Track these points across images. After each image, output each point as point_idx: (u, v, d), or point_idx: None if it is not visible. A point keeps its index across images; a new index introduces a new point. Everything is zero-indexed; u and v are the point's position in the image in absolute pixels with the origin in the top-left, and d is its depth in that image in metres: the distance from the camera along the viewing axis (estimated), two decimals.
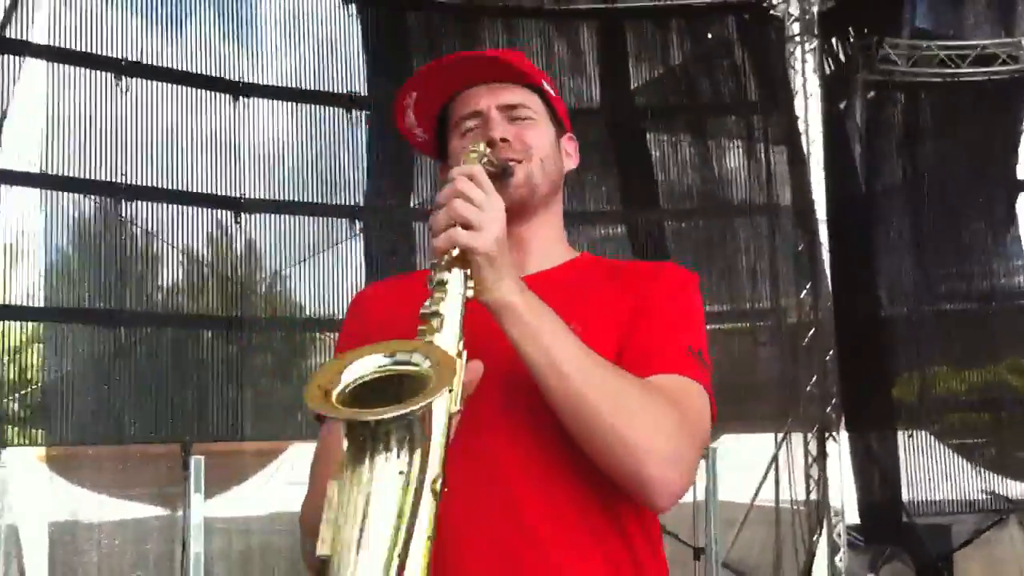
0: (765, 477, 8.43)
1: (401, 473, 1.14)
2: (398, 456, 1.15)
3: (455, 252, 1.33)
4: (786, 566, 8.47)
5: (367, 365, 1.21)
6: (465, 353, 1.29)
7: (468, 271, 1.34)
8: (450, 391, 1.20)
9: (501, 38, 7.77)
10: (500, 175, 1.52)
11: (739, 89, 8.65)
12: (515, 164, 1.58)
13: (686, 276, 1.65)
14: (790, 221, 8.70)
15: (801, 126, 8.83)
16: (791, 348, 8.64)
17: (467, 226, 1.34)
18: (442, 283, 1.31)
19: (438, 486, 1.17)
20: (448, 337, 1.27)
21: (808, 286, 8.78)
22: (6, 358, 6.29)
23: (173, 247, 6.80)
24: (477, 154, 1.46)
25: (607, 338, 1.51)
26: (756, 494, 8.35)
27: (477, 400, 1.33)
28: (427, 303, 1.30)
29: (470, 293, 1.34)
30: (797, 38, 8.87)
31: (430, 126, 1.68)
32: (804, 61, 8.88)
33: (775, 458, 8.40)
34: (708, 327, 1.62)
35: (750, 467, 8.47)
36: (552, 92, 1.67)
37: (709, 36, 8.69)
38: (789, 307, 8.70)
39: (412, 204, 7.66)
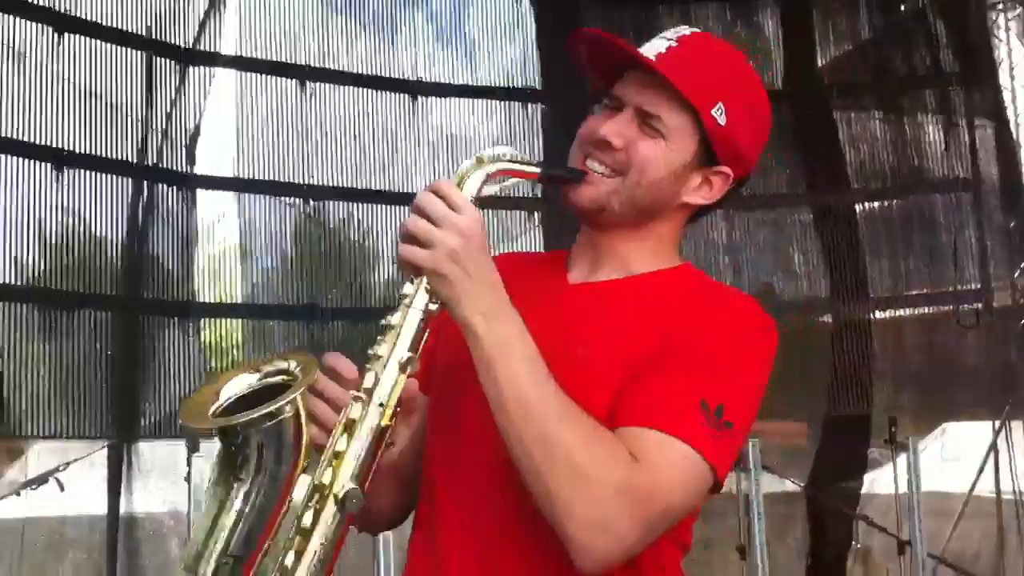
0: (983, 466, 8.04)
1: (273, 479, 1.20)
2: (270, 462, 1.21)
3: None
4: (1010, 560, 8.05)
5: (239, 384, 1.28)
6: (411, 368, 1.34)
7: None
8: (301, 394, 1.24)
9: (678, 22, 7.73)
10: (572, 179, 1.50)
11: (935, 62, 8.30)
12: (595, 175, 1.50)
13: (750, 321, 1.49)
14: (997, 198, 8.28)
15: (1007, 97, 8.42)
16: (1004, 331, 8.21)
17: (421, 243, 1.33)
18: (404, 296, 1.35)
19: (344, 496, 1.22)
20: (399, 349, 1.32)
21: (1022, 266, 8.34)
22: (221, 355, 6.69)
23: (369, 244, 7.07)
24: (494, 167, 1.42)
25: (609, 370, 1.43)
26: (974, 485, 7.98)
27: (458, 409, 1.42)
28: (388, 316, 1.35)
29: (433, 307, 1.35)
30: (1000, 5, 8.49)
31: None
32: (1008, 29, 8.47)
33: (993, 446, 8.01)
34: (906, 312, 1.48)
35: (964, 458, 8.12)
36: (720, 121, 1.50)
37: (902, 8, 8.39)
38: (1000, 288, 8.27)
39: None
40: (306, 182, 6.71)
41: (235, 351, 6.91)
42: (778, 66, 8.12)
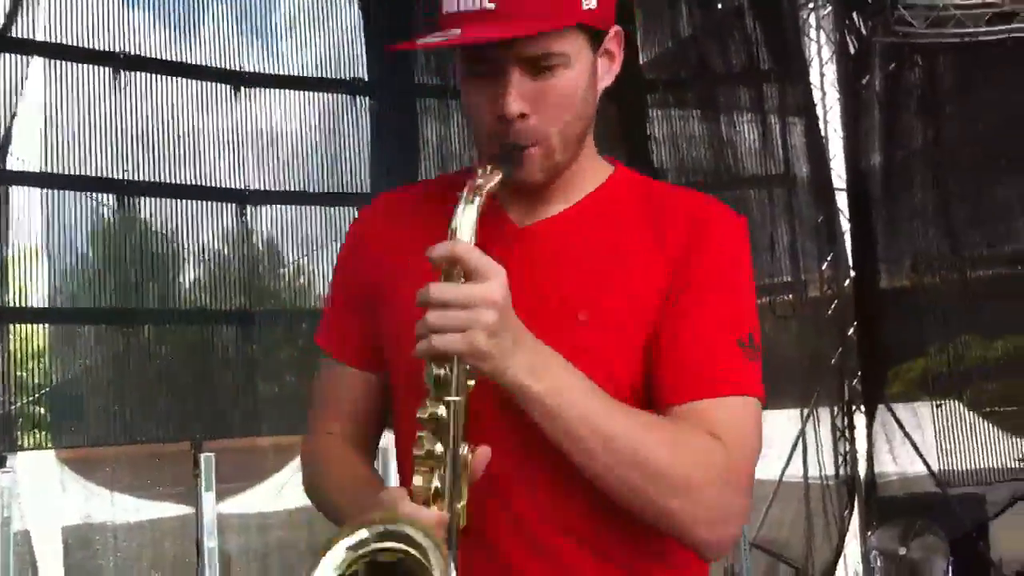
0: (792, 453, 8.45)
1: None
2: None
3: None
4: (817, 542, 8.50)
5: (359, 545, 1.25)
6: (471, 450, 1.32)
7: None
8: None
9: None
10: (508, 166, 1.41)
11: (751, 59, 8.62)
12: (529, 149, 1.43)
13: (735, 226, 1.52)
14: (808, 193, 8.68)
15: (816, 95, 8.82)
16: (814, 322, 8.64)
17: (453, 330, 1.27)
18: (438, 380, 1.30)
19: None
20: (456, 444, 1.30)
21: (829, 257, 8.77)
22: (29, 362, 6.37)
23: (178, 243, 6.86)
24: (477, 187, 1.34)
25: (624, 326, 1.44)
26: (784, 471, 8.37)
27: (489, 430, 1.37)
28: (427, 402, 1.29)
29: (471, 383, 1.32)
30: (810, 4, 8.88)
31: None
32: (819, 28, 8.88)
33: (802, 433, 8.42)
34: None
35: (775, 444, 8.48)
36: (592, 5, 1.41)
37: (719, 6, 8.66)
38: (810, 280, 8.69)
39: None
40: (122, 177, 6.39)
41: (41, 359, 6.54)
42: None
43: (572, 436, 1.33)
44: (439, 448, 1.29)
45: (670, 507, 1.36)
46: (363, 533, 1.25)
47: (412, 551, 1.22)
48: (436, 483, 1.30)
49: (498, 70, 1.40)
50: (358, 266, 1.61)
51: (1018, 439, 8.46)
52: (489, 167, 1.38)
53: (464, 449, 1.31)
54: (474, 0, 1.37)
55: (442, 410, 1.29)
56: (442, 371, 1.29)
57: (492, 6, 1.36)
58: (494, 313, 1.26)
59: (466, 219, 1.30)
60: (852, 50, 8.93)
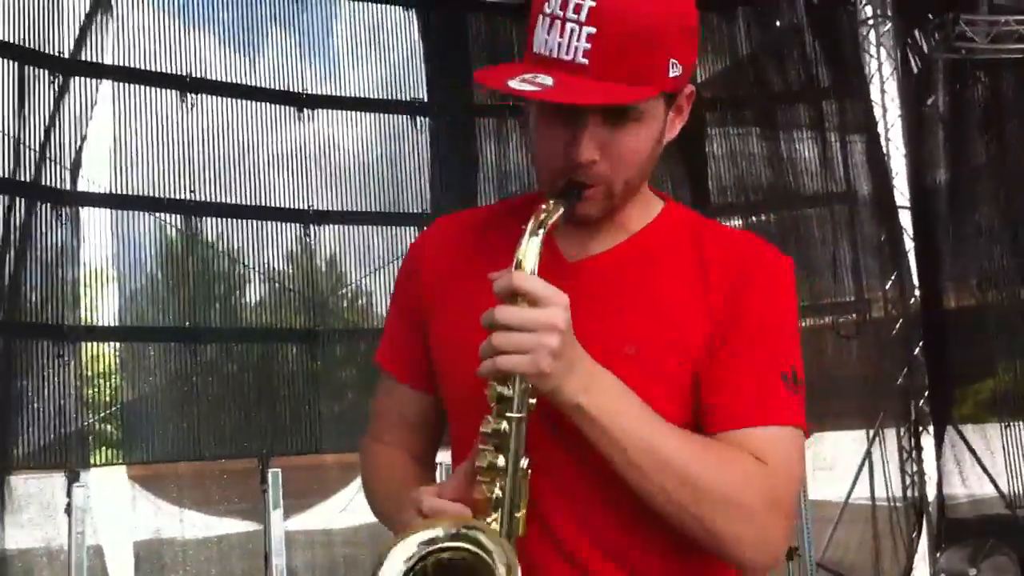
0: (859, 474, 8.36)
1: None
2: None
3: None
4: (885, 564, 8.38)
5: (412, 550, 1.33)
6: (529, 464, 1.39)
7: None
8: None
9: None
10: (569, 202, 1.45)
11: (810, 77, 8.61)
12: (591, 190, 1.46)
13: (781, 269, 1.57)
14: (870, 211, 8.62)
15: (878, 111, 8.79)
16: (877, 342, 8.55)
17: (518, 351, 1.33)
18: (501, 398, 1.36)
19: None
20: (518, 457, 1.37)
21: (893, 276, 8.69)
22: (99, 380, 6.52)
23: (242, 263, 6.99)
24: (544, 217, 1.39)
25: (668, 360, 1.48)
26: (851, 492, 8.28)
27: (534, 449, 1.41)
28: (489, 418, 1.36)
29: (532, 400, 1.37)
30: (870, 21, 8.85)
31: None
32: (879, 45, 8.85)
33: (868, 454, 8.33)
34: None
35: (841, 465, 8.41)
36: (676, 73, 1.44)
37: (778, 24, 8.67)
38: (874, 300, 8.61)
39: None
40: (188, 197, 6.56)
41: (111, 377, 6.69)
42: None
43: (625, 454, 1.39)
44: (500, 461, 1.37)
45: (717, 526, 1.41)
46: (437, 531, 1.33)
47: (481, 553, 1.30)
48: (497, 492, 1.37)
49: (577, 116, 1.43)
50: (414, 288, 1.65)
51: None
52: (552, 202, 1.42)
53: (524, 463, 1.38)
54: (569, 51, 1.38)
55: (505, 426, 1.36)
56: (505, 389, 1.35)
57: (586, 62, 1.37)
58: (557, 337, 1.33)
59: (531, 250, 1.36)
60: (915, 67, 8.87)
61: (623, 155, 1.45)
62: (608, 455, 1.40)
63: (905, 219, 8.85)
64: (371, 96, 7.45)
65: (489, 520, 1.37)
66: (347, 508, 7.33)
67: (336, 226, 7.23)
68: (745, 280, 1.51)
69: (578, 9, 1.37)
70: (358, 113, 7.31)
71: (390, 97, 7.47)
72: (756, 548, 1.43)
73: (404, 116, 7.43)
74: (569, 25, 1.37)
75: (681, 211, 1.62)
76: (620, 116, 1.42)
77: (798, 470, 1.50)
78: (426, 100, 7.51)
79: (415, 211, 7.45)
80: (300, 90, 7.08)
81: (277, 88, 7.02)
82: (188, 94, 6.58)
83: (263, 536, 6.22)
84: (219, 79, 6.78)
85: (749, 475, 1.42)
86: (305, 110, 7.04)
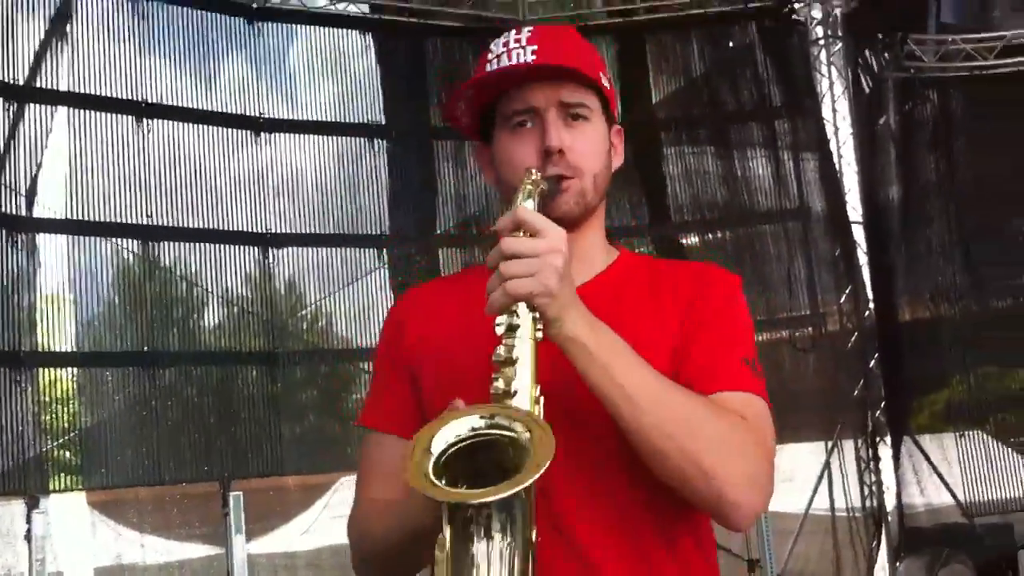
0: (818, 485, 8.44)
1: (504, 548, 1.31)
2: (502, 534, 1.32)
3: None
4: (846, 574, 8.46)
5: (462, 427, 1.35)
6: (543, 399, 1.42)
7: (536, 313, 1.43)
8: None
9: None
10: (551, 193, 1.58)
11: (762, 96, 8.75)
12: (567, 181, 1.61)
13: (731, 281, 1.70)
14: (823, 227, 8.75)
15: (830, 129, 8.92)
16: (833, 355, 8.66)
17: (524, 275, 1.41)
18: (512, 328, 1.41)
19: (533, 536, 1.33)
20: (523, 383, 1.40)
21: (848, 290, 8.82)
22: (55, 406, 6.49)
23: (201, 286, 7.00)
24: (532, 183, 1.53)
25: (658, 350, 1.57)
26: (810, 503, 8.37)
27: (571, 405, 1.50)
28: (499, 349, 1.41)
29: (539, 335, 1.43)
30: (821, 41, 9.00)
31: (476, 113, 1.69)
32: (830, 64, 8.99)
33: (827, 466, 8.42)
34: None
35: (800, 477, 8.48)
36: (608, 86, 1.67)
37: (731, 44, 8.80)
38: (829, 313, 8.73)
39: (437, 231, 7.82)
40: (145, 222, 6.57)
41: (69, 403, 6.66)
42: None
43: (623, 390, 1.45)
44: (516, 384, 1.40)
45: (712, 462, 1.46)
46: (476, 420, 1.36)
47: (515, 435, 1.33)
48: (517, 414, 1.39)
49: (539, 117, 1.61)
50: (399, 345, 1.72)
51: None
52: (536, 171, 1.56)
53: (536, 390, 1.41)
54: (517, 56, 1.60)
55: (516, 351, 1.41)
56: (514, 319, 1.41)
57: (533, 58, 1.59)
58: (561, 257, 1.42)
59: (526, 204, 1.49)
60: (866, 87, 9.02)
61: (584, 146, 1.62)
62: (607, 392, 1.45)
63: (858, 234, 8.99)
64: (328, 119, 7.49)
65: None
66: (309, 530, 7.32)
67: (294, 248, 7.26)
68: (699, 293, 1.65)
69: (518, 41, 1.61)
70: (315, 136, 7.35)
71: (347, 120, 7.52)
72: (746, 488, 1.48)
73: (362, 139, 7.48)
74: (515, 51, 1.60)
75: (635, 256, 1.78)
76: (572, 116, 1.62)
77: (772, 431, 1.57)
78: (383, 123, 7.56)
79: (373, 233, 7.48)
80: (256, 114, 7.11)
81: (233, 112, 7.04)
82: (144, 119, 6.60)
83: (225, 560, 6.20)
84: (175, 104, 6.79)
85: (735, 422, 1.50)
86: (262, 134, 7.07)
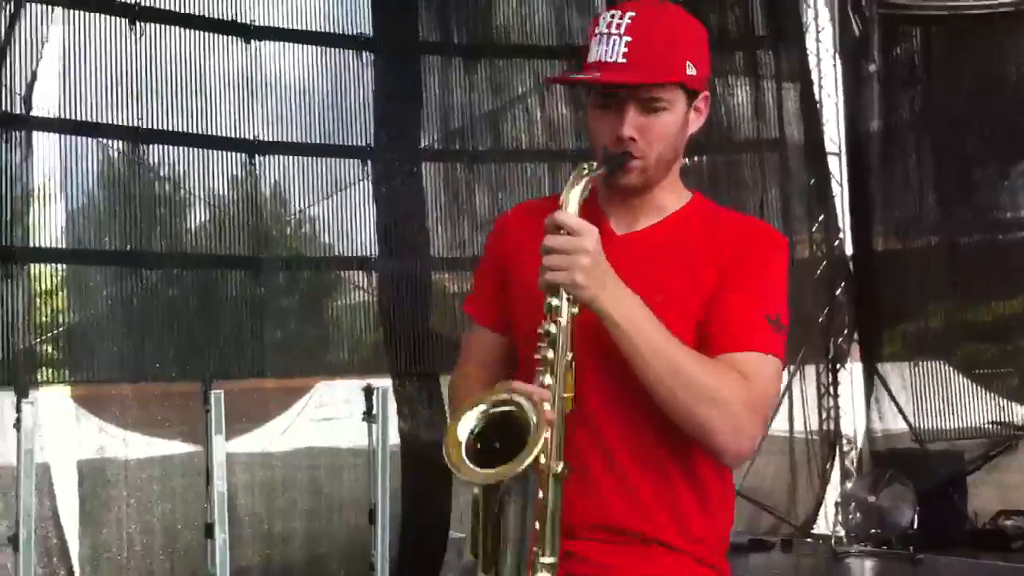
0: (778, 408, 8.69)
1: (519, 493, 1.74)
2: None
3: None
4: (801, 493, 8.80)
5: (473, 419, 1.78)
6: (573, 357, 1.82)
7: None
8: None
9: None
10: (616, 168, 1.93)
11: (747, 24, 8.83)
12: (634, 161, 1.94)
13: (776, 242, 2.03)
14: (799, 157, 8.91)
15: (812, 61, 9.03)
16: (801, 282, 8.87)
17: (559, 269, 1.79)
18: (552, 307, 1.81)
19: (560, 469, 1.77)
20: (561, 351, 1.81)
21: (820, 220, 9.01)
22: (38, 300, 6.62)
23: (186, 189, 7.11)
24: (584, 174, 1.87)
25: (687, 305, 1.94)
26: (769, 424, 8.62)
27: (584, 373, 1.88)
28: (544, 324, 1.81)
29: (575, 310, 1.82)
30: None
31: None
32: None
33: (788, 388, 8.68)
34: None
35: None
36: (693, 72, 1.95)
37: None
38: (800, 242, 8.93)
39: (421, 144, 7.94)
40: (135, 124, 6.67)
41: (58, 297, 6.81)
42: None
43: (639, 350, 1.84)
44: (551, 354, 1.81)
45: (701, 413, 1.85)
46: (485, 405, 1.79)
47: (515, 409, 1.75)
48: (548, 380, 1.80)
49: (620, 106, 1.94)
50: (499, 249, 2.15)
51: (1000, 400, 8.73)
52: (593, 164, 1.92)
53: (569, 356, 1.82)
54: (612, 55, 1.91)
55: (554, 328, 1.81)
56: (555, 300, 1.81)
57: (624, 61, 1.90)
58: (587, 257, 1.79)
59: (572, 196, 1.84)
60: (855, 25, 9.08)
61: (654, 135, 1.94)
62: (628, 353, 1.85)
63: (833, 165, 9.17)
64: (317, 29, 7.56)
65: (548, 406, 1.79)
66: (286, 432, 7.53)
67: (280, 156, 7.38)
68: (747, 247, 1.99)
69: (619, 27, 1.91)
70: (303, 46, 7.43)
71: (336, 31, 7.60)
72: (729, 438, 1.87)
73: (349, 50, 7.57)
74: (612, 38, 1.91)
75: (704, 201, 2.12)
76: (651, 107, 1.93)
77: (773, 388, 1.97)
78: (371, 35, 7.63)
79: (359, 144, 7.61)
80: (248, 20, 7.18)
81: (225, 18, 7.10)
82: (137, 22, 6.66)
83: (204, 457, 6.36)
84: (168, 8, 6.86)
85: (731, 381, 1.87)
86: (252, 41, 7.15)
